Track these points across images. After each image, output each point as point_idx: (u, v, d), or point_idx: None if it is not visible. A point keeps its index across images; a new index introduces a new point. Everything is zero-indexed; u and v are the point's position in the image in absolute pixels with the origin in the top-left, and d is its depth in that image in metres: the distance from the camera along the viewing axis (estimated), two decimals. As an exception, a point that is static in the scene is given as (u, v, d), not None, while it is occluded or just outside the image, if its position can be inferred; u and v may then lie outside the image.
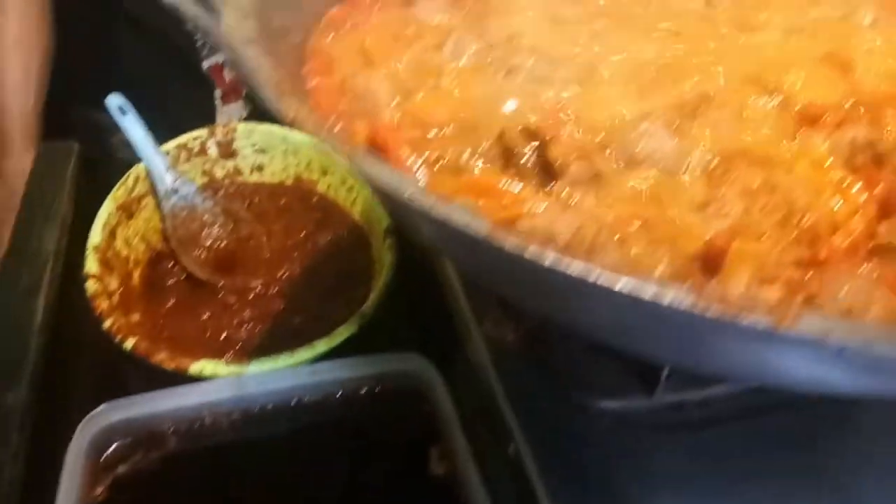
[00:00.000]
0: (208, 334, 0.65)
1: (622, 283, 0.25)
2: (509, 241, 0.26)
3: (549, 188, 0.38)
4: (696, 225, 0.36)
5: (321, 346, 0.58)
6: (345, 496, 0.54)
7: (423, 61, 0.46)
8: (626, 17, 0.50)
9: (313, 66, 0.45)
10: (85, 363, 0.62)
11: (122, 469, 0.52)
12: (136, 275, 0.68)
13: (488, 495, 0.48)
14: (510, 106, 0.41)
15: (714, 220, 0.36)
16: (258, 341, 0.64)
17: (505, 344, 0.51)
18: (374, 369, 0.57)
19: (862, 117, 0.41)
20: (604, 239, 0.33)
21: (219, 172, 0.76)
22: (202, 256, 0.70)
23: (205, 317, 0.65)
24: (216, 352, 0.63)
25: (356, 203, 0.74)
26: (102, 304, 0.59)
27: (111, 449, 0.53)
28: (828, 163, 0.39)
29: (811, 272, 0.33)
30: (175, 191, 0.71)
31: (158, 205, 0.71)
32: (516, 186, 0.37)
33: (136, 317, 0.64)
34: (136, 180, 0.70)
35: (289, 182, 0.77)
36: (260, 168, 0.77)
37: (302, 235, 0.73)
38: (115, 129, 0.71)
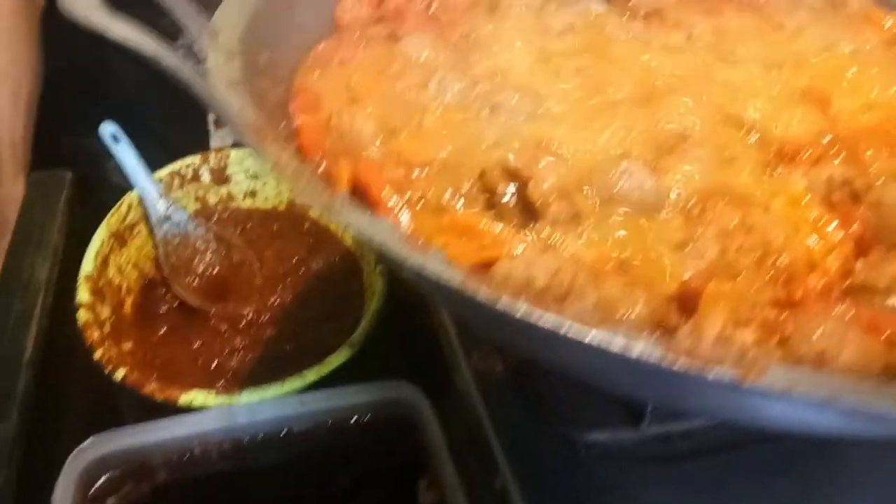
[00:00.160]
0: (200, 362, 0.65)
1: (591, 336, 0.25)
2: (482, 292, 0.27)
3: (530, 228, 0.38)
4: (674, 265, 0.36)
5: (311, 375, 0.58)
6: (335, 526, 0.54)
7: (408, 99, 0.46)
8: (609, 53, 0.50)
9: (300, 104, 0.46)
10: (76, 393, 0.62)
11: (111, 501, 0.53)
12: (129, 303, 0.68)
13: (476, 526, 0.48)
14: (492, 145, 0.42)
15: (691, 260, 0.36)
16: (249, 369, 0.64)
17: (493, 376, 0.51)
18: (364, 398, 0.57)
19: (839, 154, 0.42)
20: (581, 282, 0.33)
21: (212, 198, 0.77)
22: (194, 283, 0.71)
23: (196, 345, 0.66)
24: (207, 380, 0.63)
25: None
26: (93, 335, 0.60)
27: (101, 481, 0.53)
28: (805, 200, 0.39)
29: (786, 313, 0.34)
30: (168, 218, 0.72)
31: (151, 232, 0.72)
32: (497, 227, 0.38)
33: (127, 345, 0.64)
34: (129, 207, 0.71)
35: (281, 208, 0.78)
36: (253, 194, 0.78)
37: (294, 261, 0.74)
38: (108, 154, 0.71)
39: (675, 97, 0.45)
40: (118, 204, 0.70)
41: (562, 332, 0.26)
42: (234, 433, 0.56)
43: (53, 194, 0.73)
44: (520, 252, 0.36)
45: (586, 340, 0.26)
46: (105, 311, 0.64)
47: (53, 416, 0.59)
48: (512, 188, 0.39)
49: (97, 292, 0.64)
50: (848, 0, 0.62)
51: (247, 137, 0.33)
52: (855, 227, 0.38)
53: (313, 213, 0.77)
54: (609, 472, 0.48)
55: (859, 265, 0.37)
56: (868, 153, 0.42)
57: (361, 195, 0.40)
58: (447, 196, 0.39)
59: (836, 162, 0.41)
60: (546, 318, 0.26)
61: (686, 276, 0.36)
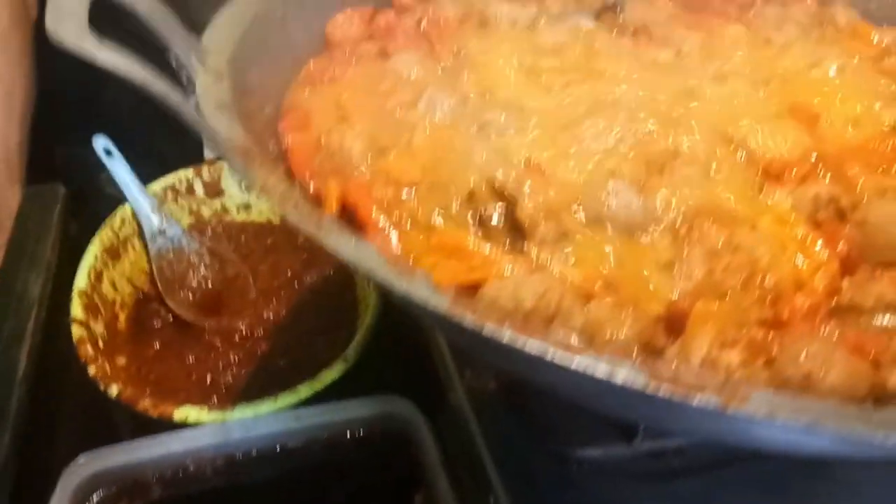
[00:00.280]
0: (194, 377, 0.65)
1: (576, 362, 0.26)
2: (468, 318, 0.27)
3: (518, 248, 0.38)
4: (661, 285, 0.36)
5: (305, 390, 0.58)
6: (329, 541, 0.54)
7: (398, 117, 0.46)
8: (598, 70, 0.51)
9: (289, 122, 0.46)
10: (70, 409, 0.62)
11: (105, 519, 0.53)
12: (123, 317, 0.68)
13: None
14: (481, 164, 0.42)
15: (678, 280, 0.36)
16: (243, 384, 0.64)
17: (486, 393, 0.51)
18: (359, 413, 0.57)
19: (825, 172, 0.42)
20: (568, 303, 0.33)
21: (206, 212, 0.77)
22: (189, 298, 0.71)
23: (190, 360, 0.66)
24: (201, 395, 0.63)
25: (342, 242, 0.74)
26: (87, 351, 0.60)
27: (94, 498, 0.53)
28: (791, 219, 0.40)
29: (773, 333, 0.34)
30: (162, 232, 0.72)
31: (145, 246, 0.72)
32: (485, 247, 0.38)
33: (121, 360, 0.64)
34: (123, 221, 0.71)
35: (276, 221, 0.78)
36: (247, 207, 0.78)
37: (288, 275, 0.74)
38: (102, 164, 0.72)
39: (664, 116, 0.45)
40: (111, 217, 0.70)
41: (546, 357, 0.26)
42: (227, 449, 0.56)
43: (47, 209, 0.73)
44: (508, 272, 0.36)
45: (571, 366, 0.26)
46: (99, 327, 0.64)
47: (47, 432, 0.59)
48: (500, 208, 0.39)
49: (91, 307, 0.64)
50: (836, 15, 0.62)
51: (234, 161, 0.33)
52: (841, 245, 0.38)
53: (307, 227, 0.77)
54: (602, 489, 0.48)
55: (845, 284, 0.37)
56: (854, 170, 0.42)
57: (351, 215, 0.40)
58: (436, 216, 0.40)
59: (822, 180, 0.42)
60: (531, 344, 0.26)
61: (673, 297, 0.36)
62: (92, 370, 0.58)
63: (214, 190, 0.77)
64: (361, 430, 0.57)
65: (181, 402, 0.57)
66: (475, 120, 0.45)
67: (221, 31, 0.44)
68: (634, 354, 0.32)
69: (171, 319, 0.69)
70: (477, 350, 0.35)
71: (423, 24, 0.56)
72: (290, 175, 0.42)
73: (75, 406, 0.62)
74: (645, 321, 0.34)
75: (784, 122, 0.46)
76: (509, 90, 0.49)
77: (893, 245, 0.39)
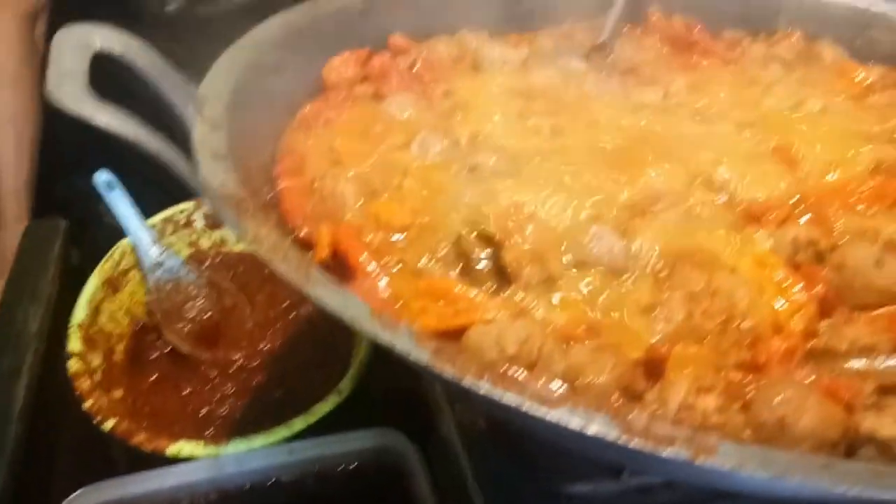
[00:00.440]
0: (189, 409, 0.66)
1: (550, 416, 0.26)
2: (447, 370, 0.28)
3: (504, 291, 0.39)
4: (641, 329, 0.37)
5: (298, 424, 0.59)
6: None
7: (390, 159, 0.48)
8: (587, 112, 0.52)
9: (284, 167, 0.47)
10: (67, 443, 0.63)
11: (101, 552, 0.53)
12: (120, 349, 0.69)
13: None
14: (469, 208, 0.43)
15: (658, 323, 0.37)
16: (238, 417, 0.65)
17: (475, 429, 0.52)
18: (352, 446, 0.58)
19: (805, 214, 0.43)
20: (549, 349, 0.34)
21: (205, 243, 0.78)
22: (186, 329, 0.72)
23: (186, 392, 0.67)
24: (197, 428, 0.64)
25: (337, 274, 0.75)
26: (84, 384, 0.60)
27: (91, 532, 0.54)
28: (771, 261, 0.41)
29: (749, 376, 0.35)
30: (160, 264, 0.73)
31: (144, 278, 0.73)
32: (472, 291, 0.39)
33: (118, 393, 0.65)
34: (123, 254, 0.72)
35: (273, 252, 0.79)
36: (245, 238, 0.79)
37: (284, 306, 0.75)
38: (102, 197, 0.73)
39: (648, 159, 0.46)
40: (111, 251, 0.71)
41: (522, 409, 0.27)
42: (221, 483, 0.56)
43: (48, 243, 0.74)
44: (492, 317, 0.37)
45: (546, 418, 0.27)
46: (96, 359, 0.65)
47: (45, 465, 0.60)
48: (486, 253, 0.40)
49: (89, 340, 0.65)
50: (822, 52, 0.64)
51: (226, 214, 0.34)
52: (818, 288, 0.39)
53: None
54: (590, 524, 0.48)
55: (823, 326, 0.38)
56: (834, 211, 0.43)
57: (342, 259, 0.41)
58: (424, 260, 0.41)
59: (801, 222, 0.43)
60: (507, 397, 0.27)
61: (653, 340, 0.37)
62: (87, 404, 0.59)
63: (214, 222, 0.78)
64: (355, 462, 0.58)
65: (176, 434, 0.58)
66: (465, 163, 0.46)
67: (218, 79, 0.45)
68: (614, 399, 0.33)
69: (168, 351, 0.70)
70: (460, 396, 0.36)
71: (418, 65, 0.58)
72: (283, 219, 0.43)
73: (73, 439, 0.62)
74: (625, 366, 0.35)
75: (766, 164, 0.47)
76: (499, 133, 0.50)
77: (870, 288, 0.39)
